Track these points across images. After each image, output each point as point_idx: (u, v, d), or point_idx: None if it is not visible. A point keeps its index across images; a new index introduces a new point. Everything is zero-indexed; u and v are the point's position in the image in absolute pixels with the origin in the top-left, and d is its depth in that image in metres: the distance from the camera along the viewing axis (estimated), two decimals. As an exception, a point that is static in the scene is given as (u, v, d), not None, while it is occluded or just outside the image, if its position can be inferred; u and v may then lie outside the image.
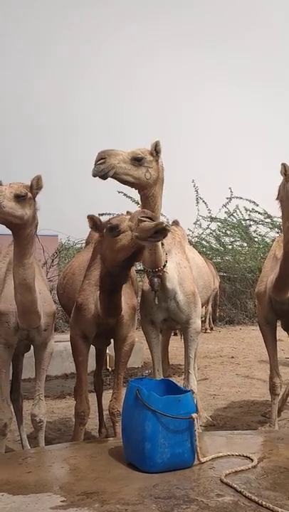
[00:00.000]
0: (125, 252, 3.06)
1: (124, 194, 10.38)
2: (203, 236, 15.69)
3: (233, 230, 15.83)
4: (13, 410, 3.72)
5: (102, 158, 3.11)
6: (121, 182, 3.24)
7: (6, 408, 3.38)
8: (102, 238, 3.23)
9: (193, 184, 15.10)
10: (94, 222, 3.29)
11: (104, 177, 3.14)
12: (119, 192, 9.41)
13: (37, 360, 3.53)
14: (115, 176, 3.16)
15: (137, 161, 3.20)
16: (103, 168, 3.10)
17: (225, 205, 15.39)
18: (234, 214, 15.63)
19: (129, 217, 3.10)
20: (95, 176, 3.13)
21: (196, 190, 15.10)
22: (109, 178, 3.17)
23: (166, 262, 3.54)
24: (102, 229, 3.20)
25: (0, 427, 3.36)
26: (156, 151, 3.28)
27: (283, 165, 3.50)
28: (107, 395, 4.49)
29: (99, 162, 3.11)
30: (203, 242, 15.64)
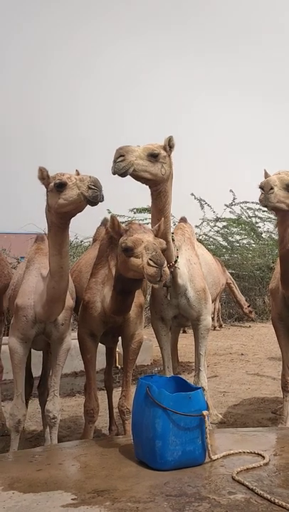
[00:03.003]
0: (134, 274, 2.94)
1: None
2: (210, 234, 15.70)
3: (240, 227, 15.79)
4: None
5: (121, 155, 3.03)
6: (137, 179, 3.16)
7: (20, 404, 3.37)
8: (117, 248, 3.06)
9: (194, 197, 15.26)
10: (113, 223, 3.08)
11: (124, 175, 3.06)
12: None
13: (53, 356, 3.51)
14: (133, 173, 3.08)
15: (153, 157, 3.13)
16: (124, 166, 3.02)
17: (229, 206, 15.46)
18: (240, 213, 15.71)
19: (145, 241, 2.89)
20: (114, 173, 3.04)
21: (198, 200, 15.28)
22: (115, 176, 3.12)
23: (178, 257, 3.51)
24: (120, 234, 3.03)
25: (14, 423, 3.36)
26: (169, 146, 3.23)
27: (265, 170, 3.53)
28: (117, 393, 4.48)
29: (118, 160, 3.03)
30: (211, 239, 15.62)
